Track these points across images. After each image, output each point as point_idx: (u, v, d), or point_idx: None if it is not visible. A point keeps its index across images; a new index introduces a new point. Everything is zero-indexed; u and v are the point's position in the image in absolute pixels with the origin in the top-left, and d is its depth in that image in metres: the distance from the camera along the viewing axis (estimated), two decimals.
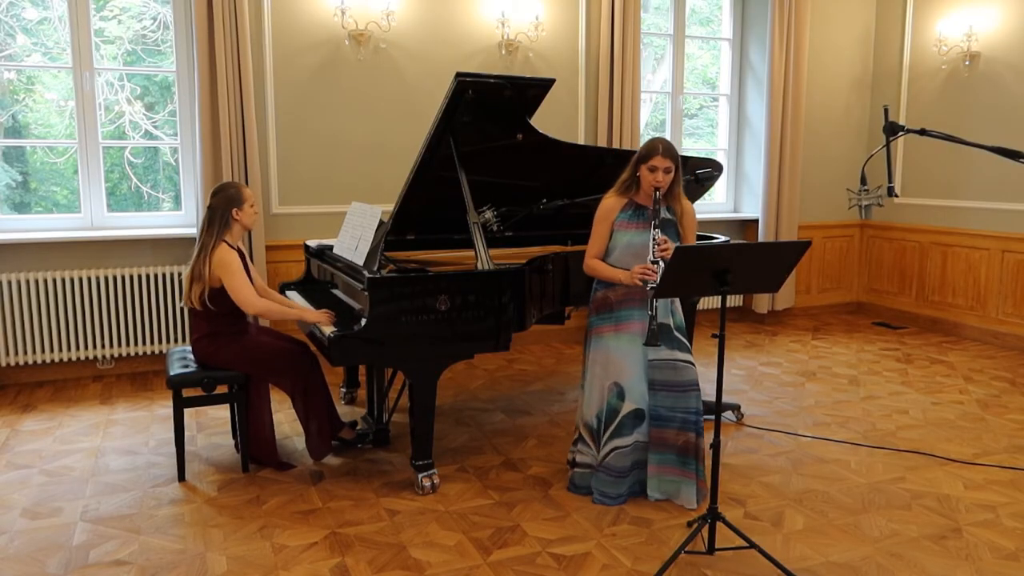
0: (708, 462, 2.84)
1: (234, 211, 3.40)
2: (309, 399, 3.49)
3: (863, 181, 3.21)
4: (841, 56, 6.72)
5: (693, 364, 3.16)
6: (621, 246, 3.14)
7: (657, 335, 2.88)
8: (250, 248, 4.91)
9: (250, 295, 3.34)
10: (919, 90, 6.46)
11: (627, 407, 3.12)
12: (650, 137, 3.13)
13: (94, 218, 4.95)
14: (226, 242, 3.38)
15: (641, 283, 2.98)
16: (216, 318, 3.39)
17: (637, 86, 5.77)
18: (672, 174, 3.04)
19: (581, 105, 5.82)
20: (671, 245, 2.95)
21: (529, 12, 5.49)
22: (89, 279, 4.76)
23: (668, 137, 5.71)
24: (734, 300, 6.64)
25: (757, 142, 6.51)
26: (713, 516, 2.71)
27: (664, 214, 3.09)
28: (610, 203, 3.18)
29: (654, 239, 2.97)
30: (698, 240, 3.45)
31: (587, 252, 3.22)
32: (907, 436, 3.98)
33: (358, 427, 3.83)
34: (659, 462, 3.16)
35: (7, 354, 4.68)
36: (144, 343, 4.94)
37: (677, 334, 3.15)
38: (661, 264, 2.90)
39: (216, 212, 3.38)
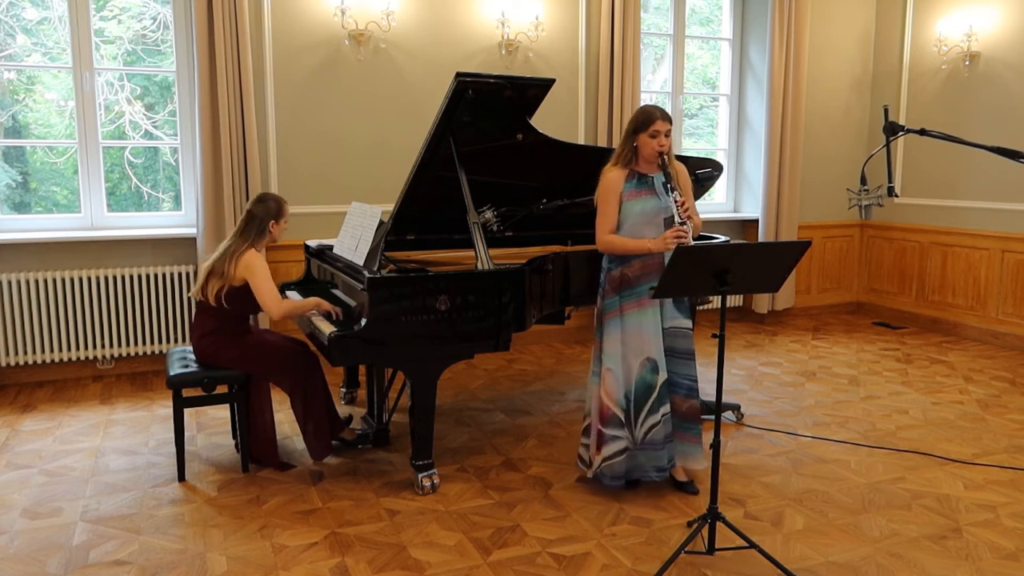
0: (709, 462, 2.83)
1: (271, 223, 3.46)
2: (309, 399, 3.49)
3: (863, 181, 3.21)
4: (841, 56, 6.72)
5: (690, 329, 3.26)
6: (633, 216, 3.13)
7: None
8: None
9: (277, 301, 3.40)
10: (919, 90, 6.46)
11: (661, 378, 3.17)
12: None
13: (94, 218, 4.94)
14: (255, 249, 3.42)
15: (675, 246, 2.94)
16: (222, 317, 3.40)
17: (637, 86, 5.77)
18: (669, 137, 3.10)
19: (581, 105, 5.82)
20: (690, 202, 3.09)
21: (529, 12, 5.49)
22: (89, 279, 4.76)
23: None
24: (734, 300, 6.64)
25: (757, 142, 6.51)
26: (713, 516, 2.71)
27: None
28: (614, 176, 3.16)
29: (675, 200, 3.00)
30: (698, 240, 3.47)
31: (600, 229, 3.17)
32: (907, 436, 3.98)
33: (358, 427, 3.83)
34: (673, 427, 3.27)
35: (7, 354, 4.68)
36: (144, 343, 4.94)
37: (685, 300, 3.26)
38: (689, 224, 2.97)
39: (255, 219, 3.43)
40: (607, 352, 3.20)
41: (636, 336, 3.15)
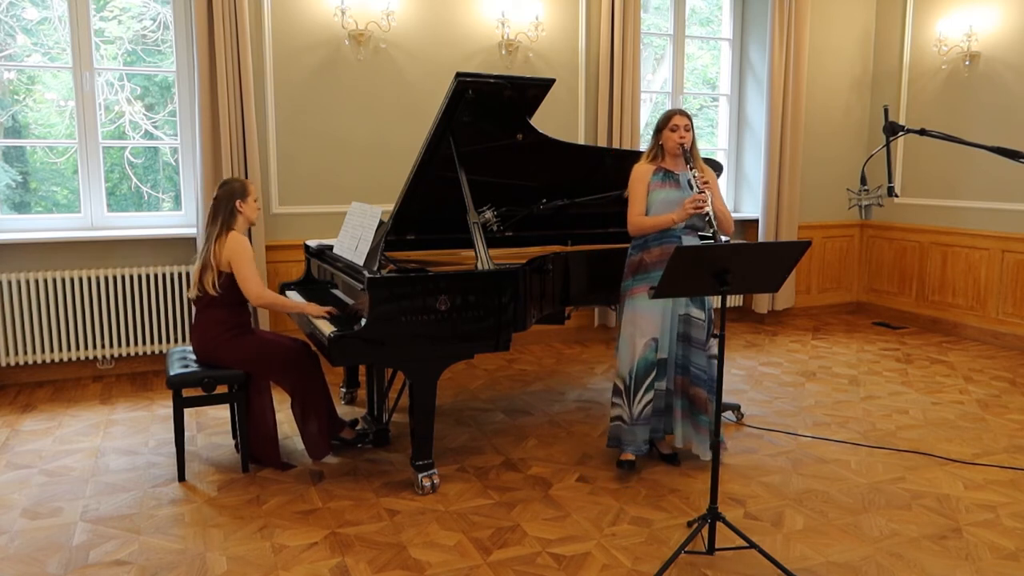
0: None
1: (238, 203, 3.43)
2: (309, 399, 3.50)
3: (863, 181, 3.23)
4: (841, 56, 6.72)
5: (703, 321, 3.41)
6: (658, 203, 3.41)
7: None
8: None
9: (258, 285, 3.39)
10: (919, 90, 6.46)
11: (659, 356, 3.43)
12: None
13: (94, 218, 4.94)
14: (236, 231, 3.41)
15: (695, 212, 3.27)
16: (220, 312, 3.40)
17: (637, 86, 5.77)
18: (691, 132, 3.41)
19: (581, 105, 5.82)
20: (709, 175, 3.37)
21: (529, 12, 5.49)
22: (89, 279, 4.76)
23: None
24: (734, 300, 6.64)
25: (757, 142, 6.51)
26: (713, 516, 2.71)
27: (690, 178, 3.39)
28: (643, 168, 3.49)
29: (694, 176, 3.28)
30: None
31: (630, 213, 3.45)
32: (907, 436, 3.98)
33: (358, 427, 3.83)
34: (679, 407, 3.51)
35: (7, 354, 4.68)
36: (144, 343, 4.94)
37: None
38: (708, 193, 3.26)
39: (221, 203, 3.43)
40: (620, 331, 3.51)
41: (643, 318, 3.40)
